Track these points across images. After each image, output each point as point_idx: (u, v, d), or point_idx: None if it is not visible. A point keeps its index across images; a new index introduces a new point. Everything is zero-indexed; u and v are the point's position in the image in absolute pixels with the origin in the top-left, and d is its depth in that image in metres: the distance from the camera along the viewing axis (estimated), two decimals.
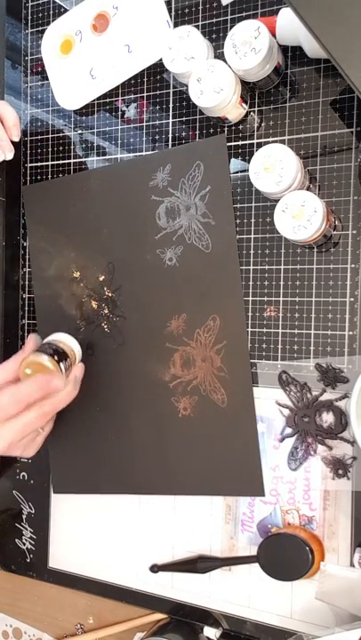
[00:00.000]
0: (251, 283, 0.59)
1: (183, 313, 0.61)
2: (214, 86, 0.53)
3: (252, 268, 0.59)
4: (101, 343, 0.66)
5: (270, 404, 0.58)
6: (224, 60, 0.53)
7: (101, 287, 0.66)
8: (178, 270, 0.61)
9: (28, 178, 0.71)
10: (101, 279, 0.66)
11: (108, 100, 0.66)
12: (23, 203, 0.71)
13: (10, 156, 0.67)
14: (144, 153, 0.64)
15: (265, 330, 0.58)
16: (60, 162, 0.69)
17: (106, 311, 0.66)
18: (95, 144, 0.67)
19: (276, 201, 0.52)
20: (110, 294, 0.65)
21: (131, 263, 0.64)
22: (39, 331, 0.69)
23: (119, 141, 0.65)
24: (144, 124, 0.64)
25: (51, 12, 0.69)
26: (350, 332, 0.55)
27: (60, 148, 0.69)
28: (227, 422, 0.59)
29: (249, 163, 0.53)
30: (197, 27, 0.60)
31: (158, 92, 0.63)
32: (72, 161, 0.69)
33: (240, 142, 0.59)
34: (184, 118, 0.62)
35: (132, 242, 0.64)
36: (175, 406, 0.62)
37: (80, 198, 0.66)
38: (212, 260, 0.60)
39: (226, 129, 0.60)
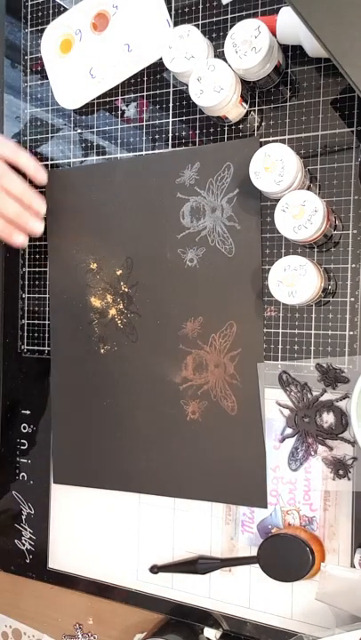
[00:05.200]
0: None
1: (200, 316, 0.60)
2: (214, 85, 0.53)
3: None
4: (114, 338, 0.65)
5: (271, 405, 0.58)
6: (224, 60, 0.53)
7: (118, 281, 0.65)
8: (198, 272, 0.60)
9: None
10: (119, 273, 0.65)
11: (107, 99, 0.66)
12: (45, 188, 0.69)
13: (39, 229, 0.66)
14: (144, 152, 0.64)
15: (265, 330, 0.58)
16: (60, 161, 0.69)
17: (121, 306, 0.65)
18: (95, 143, 0.67)
19: (277, 200, 0.52)
20: (126, 289, 0.65)
21: (150, 260, 0.63)
22: (51, 320, 0.69)
23: (119, 141, 0.65)
24: (144, 123, 0.64)
25: (50, 11, 0.69)
26: (351, 332, 0.55)
27: (60, 148, 0.69)
28: (235, 431, 0.59)
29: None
30: (197, 26, 0.60)
31: (158, 92, 0.63)
32: (72, 160, 0.68)
33: None
34: (184, 117, 0.61)
35: (153, 238, 0.62)
36: (184, 409, 0.61)
37: (104, 188, 0.65)
38: (233, 266, 0.58)
39: (226, 128, 0.59)
